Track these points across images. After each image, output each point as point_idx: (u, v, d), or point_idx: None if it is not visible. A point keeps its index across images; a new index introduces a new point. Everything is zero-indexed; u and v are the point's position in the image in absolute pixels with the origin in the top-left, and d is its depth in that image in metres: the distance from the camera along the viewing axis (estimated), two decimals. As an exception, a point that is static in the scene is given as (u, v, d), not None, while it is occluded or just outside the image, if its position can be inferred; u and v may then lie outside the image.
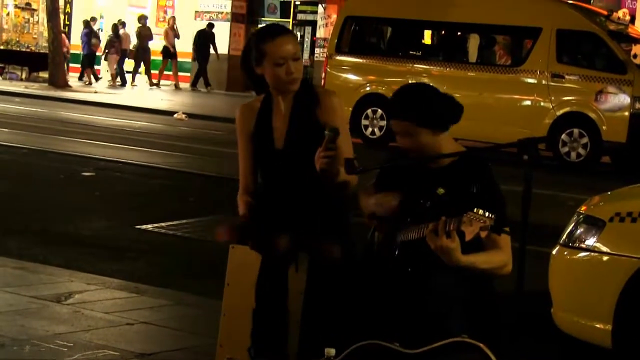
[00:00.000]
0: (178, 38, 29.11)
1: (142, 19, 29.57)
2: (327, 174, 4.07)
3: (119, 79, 29.61)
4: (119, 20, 30.37)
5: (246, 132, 4.40)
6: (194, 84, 29.31)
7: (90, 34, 29.35)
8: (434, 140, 3.96)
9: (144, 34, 29.22)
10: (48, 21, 26.92)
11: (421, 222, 3.77)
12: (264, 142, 4.34)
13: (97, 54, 29.96)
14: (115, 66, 29.50)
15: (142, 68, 30.31)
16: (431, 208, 3.82)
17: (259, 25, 31.66)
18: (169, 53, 29.13)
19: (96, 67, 30.49)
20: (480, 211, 3.55)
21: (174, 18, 29.88)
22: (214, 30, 28.99)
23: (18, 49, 30.20)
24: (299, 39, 29.37)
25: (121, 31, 29.80)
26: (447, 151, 3.99)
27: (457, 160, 3.98)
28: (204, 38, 28.86)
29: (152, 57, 29.60)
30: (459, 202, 3.74)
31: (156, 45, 29.73)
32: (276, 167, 4.34)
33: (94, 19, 30.45)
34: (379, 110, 17.28)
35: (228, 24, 30.60)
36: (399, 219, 3.96)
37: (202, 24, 29.51)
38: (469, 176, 3.91)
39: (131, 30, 30.49)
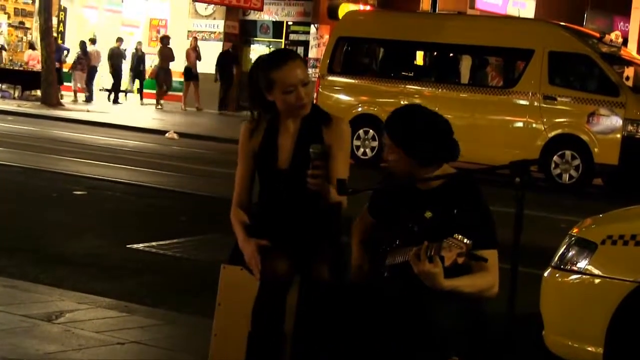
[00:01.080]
0: (199, 60, 28.86)
1: (165, 39, 29.15)
2: (319, 193, 4.08)
3: (83, 95, 29.47)
4: (89, 39, 30.28)
5: (249, 149, 4.40)
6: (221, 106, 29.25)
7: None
8: (419, 170, 3.96)
9: (166, 55, 28.80)
10: (41, 40, 26.93)
11: (409, 245, 3.77)
12: (269, 160, 4.34)
13: (65, 70, 29.90)
14: (78, 84, 29.39)
15: (136, 85, 30.31)
16: (419, 232, 3.81)
17: (251, 46, 31.81)
18: (190, 74, 28.88)
19: (66, 84, 30.38)
20: (459, 237, 3.55)
21: (196, 39, 29.66)
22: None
23: (11, 68, 30.16)
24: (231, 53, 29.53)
25: (90, 48, 29.65)
26: (432, 175, 3.98)
27: (446, 182, 3.98)
28: (227, 59, 28.90)
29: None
30: (445, 226, 3.74)
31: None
32: (278, 186, 4.33)
33: (93, 41, 30.37)
34: (371, 130, 17.31)
35: (221, 43, 30.65)
36: (388, 242, 3.96)
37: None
38: (456, 198, 3.91)
39: (129, 47, 30.51)
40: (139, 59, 29.78)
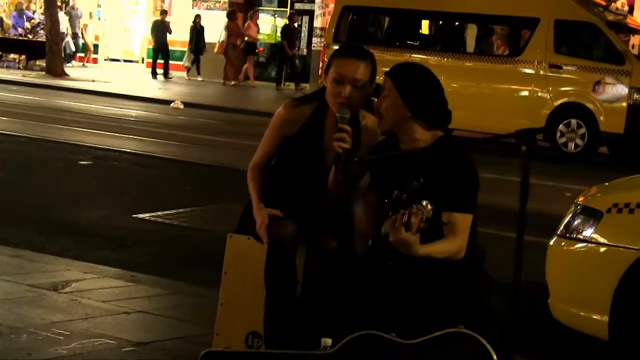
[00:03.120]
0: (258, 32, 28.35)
1: (232, 14, 28.25)
2: (340, 161, 4.07)
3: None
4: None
5: (285, 132, 4.33)
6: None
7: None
8: (408, 122, 3.95)
9: (232, 30, 27.73)
10: (45, 9, 26.86)
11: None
12: (313, 156, 4.28)
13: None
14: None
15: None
16: (408, 200, 3.78)
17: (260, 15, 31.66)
18: (252, 49, 28.24)
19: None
20: (424, 202, 3.53)
21: (256, 11, 28.88)
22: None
23: (15, 37, 30.13)
24: (295, 27, 29.31)
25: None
26: (419, 136, 3.97)
27: (434, 144, 3.96)
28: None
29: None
30: (428, 192, 3.73)
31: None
32: (319, 180, 4.27)
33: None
34: (375, 99, 17.24)
35: (224, 13, 30.53)
36: (382, 212, 3.93)
37: (200, 13, 29.27)
38: (441, 161, 3.88)
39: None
40: (198, 33, 28.65)
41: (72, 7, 30.68)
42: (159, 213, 8.55)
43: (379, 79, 4.01)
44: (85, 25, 31.69)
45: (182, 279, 6.21)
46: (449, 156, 3.89)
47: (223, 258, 4.44)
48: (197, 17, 29.17)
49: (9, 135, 13.22)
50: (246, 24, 28.35)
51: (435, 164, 3.88)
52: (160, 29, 28.17)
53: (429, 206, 3.53)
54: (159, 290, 5.83)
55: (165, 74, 28.45)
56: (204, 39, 28.79)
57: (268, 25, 30.25)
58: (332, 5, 25.51)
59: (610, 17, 16.60)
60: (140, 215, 8.42)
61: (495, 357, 3.50)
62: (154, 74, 28.22)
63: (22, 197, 8.96)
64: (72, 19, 30.33)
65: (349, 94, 4.16)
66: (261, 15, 30.05)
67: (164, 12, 29.28)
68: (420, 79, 3.99)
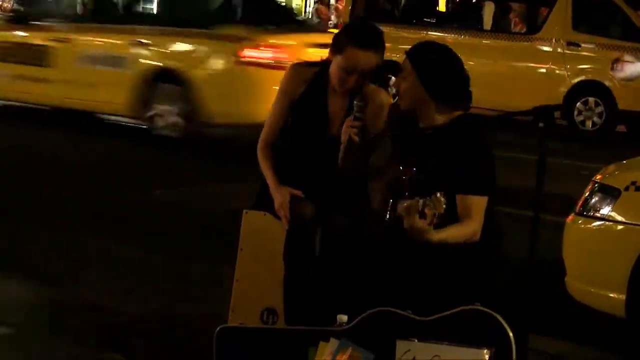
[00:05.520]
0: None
1: None
2: (352, 146, 4.05)
3: None
4: None
5: (290, 94, 4.31)
6: None
7: None
8: (427, 104, 3.92)
9: None
10: None
11: (415, 195, 3.71)
12: (318, 123, 4.26)
13: None
14: None
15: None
16: (424, 181, 3.76)
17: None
18: None
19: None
20: (439, 194, 3.51)
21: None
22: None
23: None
24: (312, 6, 29.15)
25: None
26: (437, 115, 3.94)
27: (450, 124, 3.93)
28: None
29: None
30: (441, 178, 3.71)
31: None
32: (323, 148, 4.25)
33: None
34: (393, 77, 17.20)
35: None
36: (399, 189, 3.91)
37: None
38: (458, 142, 3.85)
39: None
40: None
41: None
42: (174, 190, 8.56)
43: (398, 57, 3.98)
44: None
45: (197, 255, 6.22)
46: (464, 137, 3.87)
47: (239, 234, 4.44)
48: None
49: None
50: (317, 9, 27.77)
51: (451, 143, 3.86)
52: None
53: (442, 199, 3.50)
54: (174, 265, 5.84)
55: None
56: None
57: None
58: (349, -17, 25.47)
59: (629, -6, 16.47)
60: (157, 191, 8.43)
61: (511, 334, 3.50)
62: None
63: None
64: None
65: (356, 83, 4.14)
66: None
67: None
68: (440, 60, 3.95)
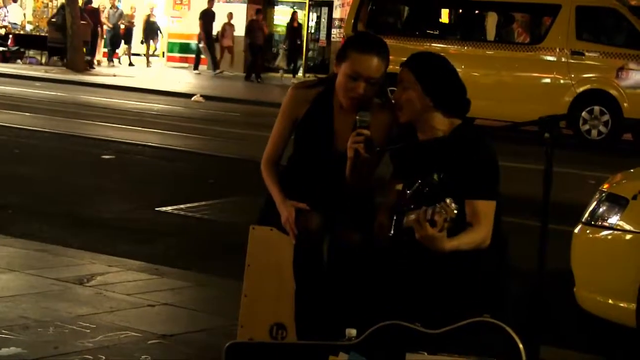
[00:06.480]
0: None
1: (295, 14, 28.28)
2: (358, 160, 4.05)
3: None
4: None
5: (291, 116, 4.31)
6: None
7: None
8: (430, 113, 3.93)
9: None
10: (67, 5, 26.91)
11: (421, 207, 3.70)
12: (324, 139, 4.25)
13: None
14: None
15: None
16: (429, 194, 3.76)
17: (275, 8, 31.64)
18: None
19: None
20: (448, 200, 3.51)
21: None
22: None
23: (37, 34, 30.23)
24: (315, 20, 29.24)
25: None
26: (438, 125, 3.95)
27: (452, 133, 3.94)
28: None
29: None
30: (450, 185, 3.71)
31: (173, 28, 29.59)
32: (329, 165, 4.24)
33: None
34: (394, 91, 17.18)
35: (245, 5, 30.51)
36: (404, 204, 3.91)
37: (218, 6, 29.22)
38: (461, 149, 3.86)
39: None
40: (294, 31, 28.35)
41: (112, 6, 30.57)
42: (182, 206, 8.57)
43: (396, 68, 3.99)
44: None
45: (205, 271, 6.23)
46: (467, 144, 3.87)
47: (246, 250, 4.44)
48: (294, 13, 29.00)
49: (34, 131, 13.30)
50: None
51: (455, 152, 3.86)
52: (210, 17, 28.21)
53: (452, 205, 3.50)
54: (183, 283, 5.84)
55: (215, 66, 28.44)
56: (301, 37, 28.63)
57: (287, 16, 30.15)
58: (351, -4, 25.55)
59: (633, 2, 16.53)
60: (163, 209, 8.44)
61: (521, 346, 3.49)
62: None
63: (47, 192, 9.00)
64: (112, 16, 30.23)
65: (364, 91, 4.13)
66: (280, 7, 29.94)
67: (211, 1, 28.83)
68: (440, 68, 3.99)
